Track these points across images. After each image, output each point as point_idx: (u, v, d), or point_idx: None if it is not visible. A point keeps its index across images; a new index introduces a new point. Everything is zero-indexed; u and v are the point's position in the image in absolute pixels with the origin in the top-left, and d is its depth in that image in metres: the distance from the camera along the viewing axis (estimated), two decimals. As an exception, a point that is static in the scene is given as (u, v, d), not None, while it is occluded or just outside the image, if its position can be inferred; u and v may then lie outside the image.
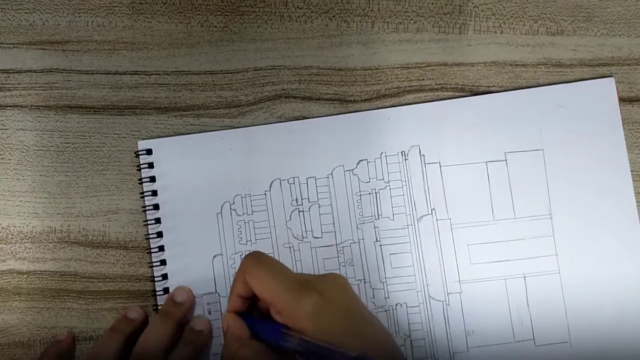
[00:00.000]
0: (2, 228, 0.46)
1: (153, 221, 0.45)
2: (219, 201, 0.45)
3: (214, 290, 0.45)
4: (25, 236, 0.46)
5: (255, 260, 0.39)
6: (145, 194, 0.45)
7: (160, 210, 0.45)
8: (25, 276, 0.45)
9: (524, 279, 0.45)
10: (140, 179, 0.45)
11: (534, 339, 0.44)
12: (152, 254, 0.45)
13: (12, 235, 0.46)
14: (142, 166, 0.45)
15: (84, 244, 0.46)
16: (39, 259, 0.46)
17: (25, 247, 0.46)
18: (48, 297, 0.45)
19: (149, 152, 0.45)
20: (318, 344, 0.35)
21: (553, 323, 0.44)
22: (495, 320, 0.44)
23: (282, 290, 0.37)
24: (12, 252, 0.46)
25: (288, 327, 0.37)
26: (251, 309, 0.41)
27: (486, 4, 0.47)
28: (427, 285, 0.44)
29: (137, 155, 0.45)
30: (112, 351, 0.40)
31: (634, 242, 0.45)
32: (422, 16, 0.47)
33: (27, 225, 0.46)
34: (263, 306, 0.40)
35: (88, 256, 0.46)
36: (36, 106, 0.46)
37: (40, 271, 0.45)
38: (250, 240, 0.45)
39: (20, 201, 0.46)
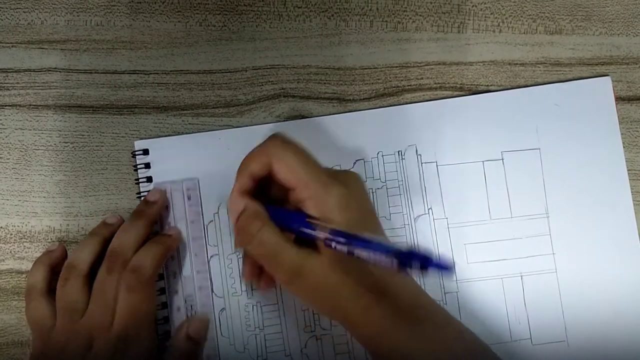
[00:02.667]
0: (1, 227, 0.46)
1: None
2: (216, 201, 0.45)
3: (211, 289, 0.45)
4: (24, 236, 0.46)
5: (283, 143, 0.38)
6: (141, 194, 0.45)
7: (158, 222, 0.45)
8: (24, 276, 0.45)
9: (521, 278, 0.45)
10: (137, 180, 0.45)
11: (531, 338, 0.44)
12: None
13: (11, 234, 0.46)
14: (138, 166, 0.45)
15: (82, 243, 0.46)
16: (38, 258, 0.46)
17: (24, 246, 0.46)
18: (47, 296, 0.45)
19: (145, 152, 0.45)
20: (352, 233, 0.34)
21: (550, 322, 0.44)
22: (493, 320, 0.44)
23: (310, 178, 0.36)
24: (11, 252, 0.45)
25: (311, 216, 0.36)
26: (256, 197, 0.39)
27: (485, 3, 0.47)
28: (424, 285, 0.44)
29: (134, 156, 0.45)
30: (90, 252, 0.42)
31: (631, 241, 0.45)
32: (420, 15, 0.47)
33: (25, 225, 0.46)
34: (277, 194, 0.39)
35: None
36: (35, 105, 0.46)
37: (39, 270, 0.45)
38: None
39: (19, 201, 0.46)
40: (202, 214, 0.45)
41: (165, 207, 0.44)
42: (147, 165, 0.45)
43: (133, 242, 0.41)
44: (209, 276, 0.44)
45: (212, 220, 0.45)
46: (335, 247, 0.35)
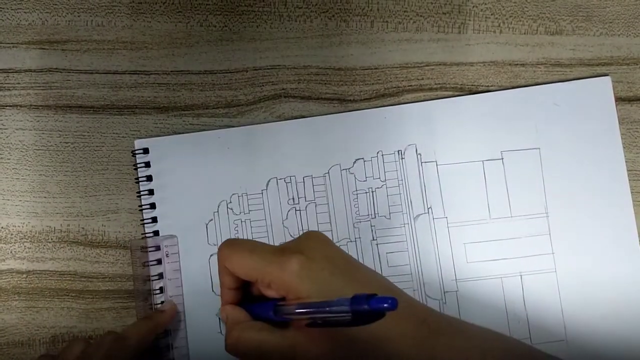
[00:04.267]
0: (2, 228, 0.46)
1: (150, 220, 0.45)
2: (215, 200, 0.45)
3: (211, 291, 0.45)
4: (24, 236, 0.46)
5: (229, 245, 0.38)
6: (142, 193, 0.45)
7: (157, 209, 0.45)
8: (24, 276, 0.45)
9: (521, 278, 0.45)
10: (137, 178, 0.45)
11: (530, 337, 0.44)
12: (149, 253, 0.45)
13: (12, 234, 0.46)
14: (138, 165, 0.45)
15: (83, 243, 0.46)
16: (38, 258, 0.45)
17: (25, 246, 0.46)
18: (47, 296, 0.45)
19: (145, 151, 0.45)
20: (313, 302, 0.33)
21: (549, 321, 0.44)
22: (492, 319, 0.44)
23: (263, 264, 0.36)
24: (11, 252, 0.45)
25: (283, 299, 0.36)
26: (244, 299, 0.40)
27: (485, 4, 0.47)
28: (423, 284, 0.44)
29: (134, 155, 0.45)
30: None
31: (630, 240, 0.45)
32: (421, 16, 0.47)
33: (26, 225, 0.46)
34: (256, 291, 0.39)
35: (87, 256, 0.46)
36: (35, 106, 0.46)
37: (40, 271, 0.45)
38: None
39: (20, 201, 0.46)
40: (180, 268, 0.45)
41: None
42: (147, 164, 0.45)
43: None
44: (209, 273, 0.44)
45: (211, 220, 0.45)
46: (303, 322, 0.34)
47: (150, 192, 0.45)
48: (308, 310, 0.33)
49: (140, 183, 0.45)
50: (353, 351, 0.34)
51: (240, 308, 0.39)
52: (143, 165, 0.45)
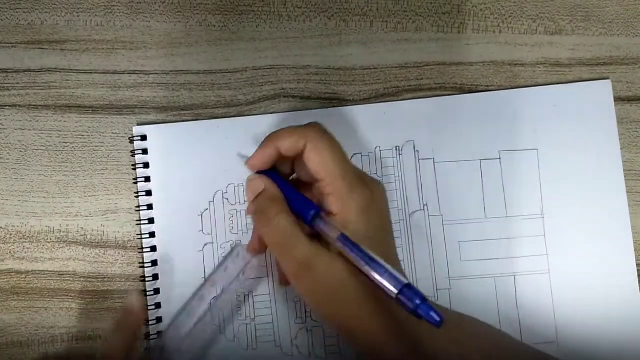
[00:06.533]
0: (1, 228, 0.46)
1: (145, 207, 0.45)
2: (212, 189, 0.45)
3: (203, 277, 0.45)
4: (23, 236, 0.46)
5: (323, 132, 0.37)
6: (138, 179, 0.45)
7: (153, 196, 0.45)
8: (23, 276, 0.45)
9: (514, 278, 0.45)
10: (134, 165, 0.45)
11: (521, 338, 0.44)
12: (144, 240, 0.45)
13: (11, 235, 0.46)
14: (136, 152, 0.45)
15: (82, 243, 0.46)
16: (38, 258, 0.45)
17: (24, 246, 0.45)
18: (46, 296, 0.45)
19: (143, 138, 0.45)
20: (362, 247, 0.34)
21: (541, 323, 0.44)
22: (484, 318, 0.43)
23: (339, 174, 0.36)
24: (10, 252, 0.45)
25: (328, 212, 0.36)
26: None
27: (485, 4, 0.47)
28: (416, 281, 0.44)
29: (132, 141, 0.45)
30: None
31: (625, 244, 0.45)
32: (420, 15, 0.47)
33: (25, 225, 0.46)
34: (300, 180, 0.39)
35: (87, 256, 0.45)
36: (34, 106, 0.46)
37: (39, 271, 0.45)
38: (242, 230, 0.45)
39: (19, 201, 0.46)
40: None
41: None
42: (145, 152, 0.45)
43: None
44: (202, 262, 0.44)
45: (207, 209, 0.45)
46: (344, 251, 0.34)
47: (147, 179, 0.45)
48: (352, 251, 0.34)
49: (137, 170, 0.45)
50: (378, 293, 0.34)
51: (279, 189, 0.38)
52: (140, 152, 0.45)
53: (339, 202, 0.36)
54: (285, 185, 0.38)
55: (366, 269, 0.33)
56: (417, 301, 0.31)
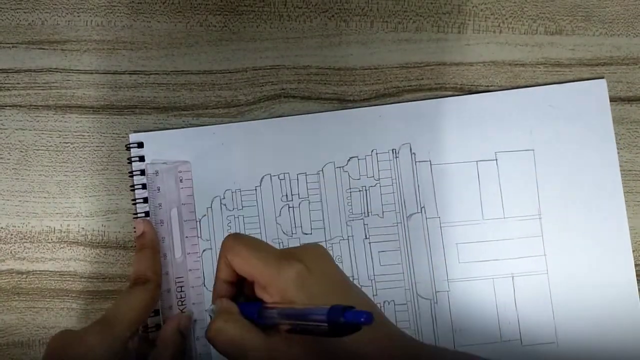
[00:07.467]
0: (2, 228, 0.46)
1: (143, 214, 0.45)
2: (209, 196, 0.45)
3: (202, 283, 0.44)
4: (24, 236, 0.46)
5: (235, 239, 0.38)
6: (135, 187, 0.45)
7: (149, 203, 0.45)
8: (24, 276, 0.45)
9: (512, 279, 0.45)
10: (131, 172, 0.45)
11: (520, 338, 0.44)
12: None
13: (11, 235, 0.46)
14: (132, 159, 0.45)
15: (83, 243, 0.46)
16: (38, 258, 0.45)
17: (25, 247, 0.46)
18: (47, 297, 0.45)
19: (140, 145, 0.45)
20: (294, 308, 0.34)
21: (540, 323, 0.44)
22: (483, 320, 0.44)
23: (264, 265, 0.36)
24: (11, 252, 0.45)
25: (270, 303, 0.36)
26: (237, 297, 0.40)
27: (485, 4, 0.47)
28: (415, 283, 0.44)
29: (128, 148, 0.45)
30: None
31: (622, 243, 0.45)
32: (421, 16, 0.47)
33: (26, 225, 0.46)
34: (249, 290, 0.39)
35: (87, 256, 0.46)
36: (35, 106, 0.46)
37: (40, 271, 0.45)
38: None
39: (20, 201, 0.46)
40: (194, 196, 0.45)
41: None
42: (142, 159, 0.45)
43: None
44: (201, 268, 0.45)
45: (205, 215, 0.45)
46: (282, 327, 0.34)
47: (144, 186, 0.45)
48: (288, 315, 0.34)
49: (134, 177, 0.45)
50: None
51: (233, 302, 0.39)
52: (137, 159, 0.45)
53: (274, 287, 0.36)
54: (237, 303, 0.39)
55: (294, 319, 0.33)
56: (340, 317, 0.31)
